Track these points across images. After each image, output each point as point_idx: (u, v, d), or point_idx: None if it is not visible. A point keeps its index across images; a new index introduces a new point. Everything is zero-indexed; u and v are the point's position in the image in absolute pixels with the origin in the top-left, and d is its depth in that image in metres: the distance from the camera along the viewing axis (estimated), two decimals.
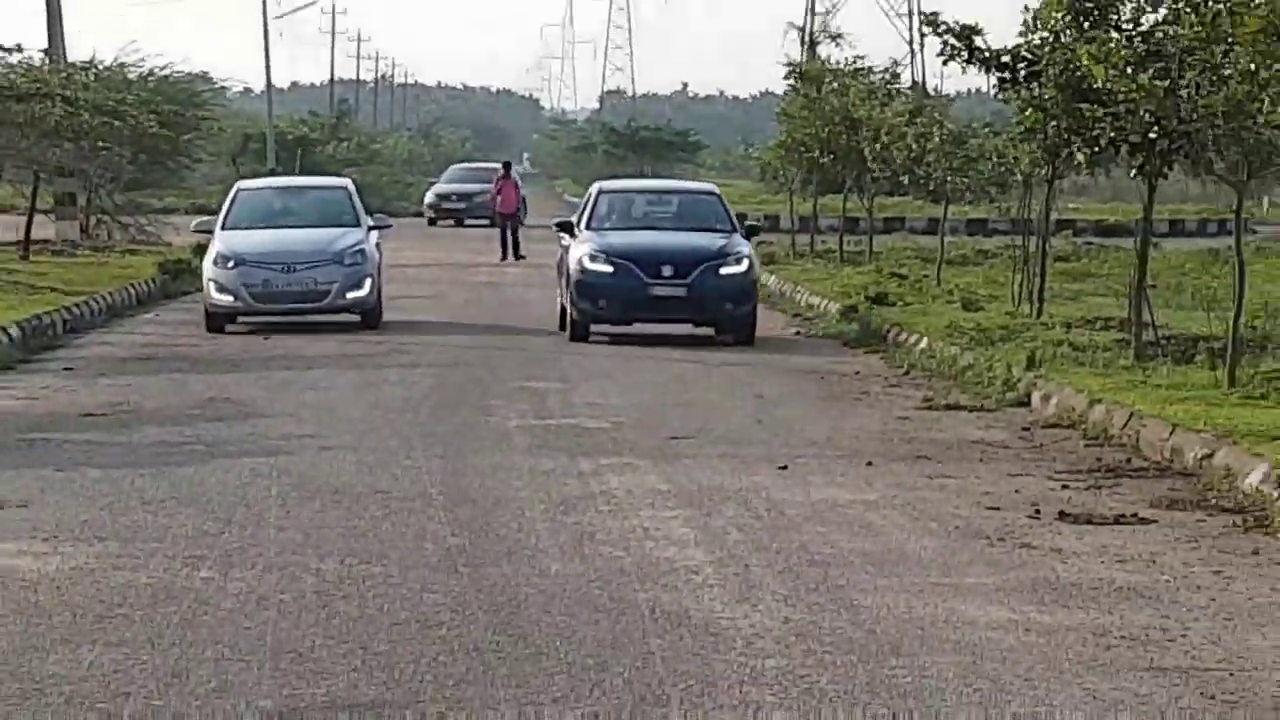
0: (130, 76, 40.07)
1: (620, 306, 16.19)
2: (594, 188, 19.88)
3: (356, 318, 17.63)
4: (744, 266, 16.59)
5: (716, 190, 21.14)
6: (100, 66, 38.79)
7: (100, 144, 30.16)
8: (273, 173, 43.58)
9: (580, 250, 16.72)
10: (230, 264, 17.42)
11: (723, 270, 16.29)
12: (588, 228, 17.50)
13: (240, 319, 17.54)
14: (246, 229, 18.59)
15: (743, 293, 16.45)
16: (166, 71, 43.41)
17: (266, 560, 7.14)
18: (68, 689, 4.51)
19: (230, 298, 17.21)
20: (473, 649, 5.21)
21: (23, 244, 28.04)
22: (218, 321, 17.56)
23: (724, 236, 17.22)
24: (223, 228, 18.61)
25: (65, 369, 15.35)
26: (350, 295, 17.03)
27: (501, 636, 5.43)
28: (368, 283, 17.29)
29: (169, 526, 8.04)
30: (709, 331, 16.49)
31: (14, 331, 16.54)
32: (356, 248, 17.64)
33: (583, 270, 16.33)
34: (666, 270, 16.06)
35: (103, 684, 4.60)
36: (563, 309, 17.24)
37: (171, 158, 38.59)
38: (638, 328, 16.80)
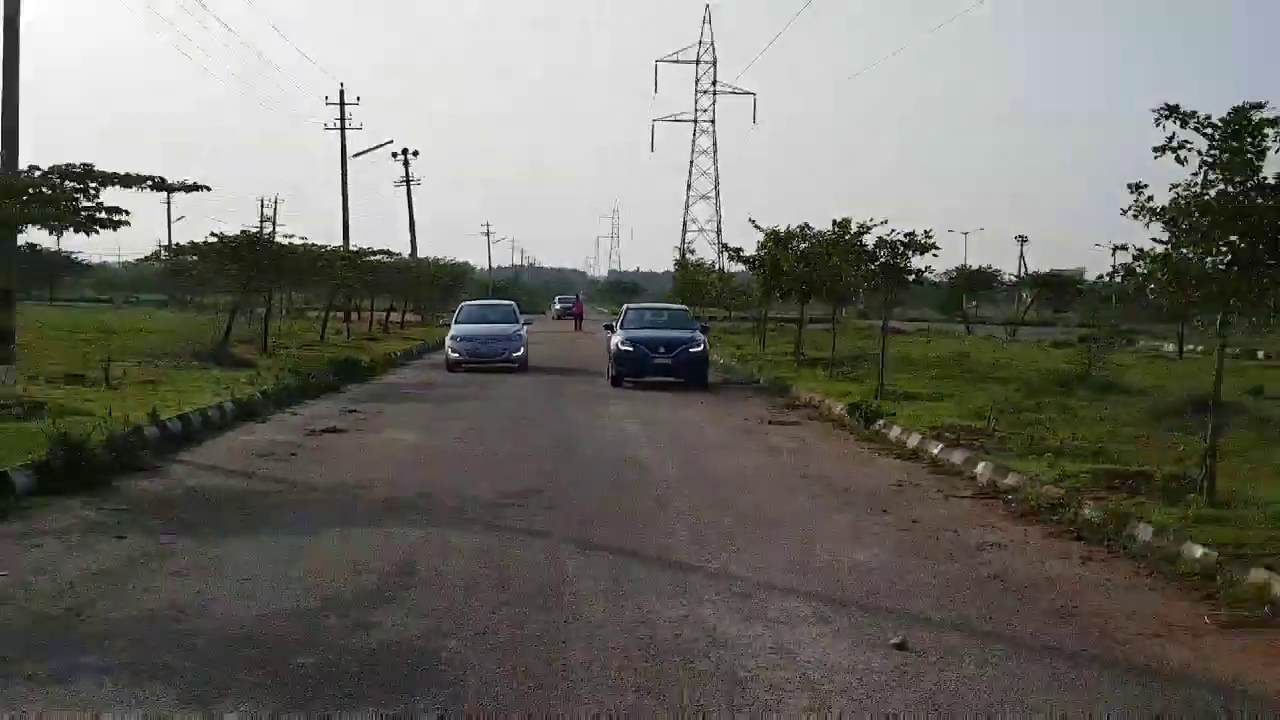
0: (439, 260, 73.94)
1: (638, 369, 27.85)
2: (625, 306, 34.72)
3: (515, 366, 31.81)
4: (702, 348, 28.47)
5: (686, 309, 37.25)
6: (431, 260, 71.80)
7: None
8: (482, 297, 64.92)
9: (616, 338, 28.85)
10: (455, 339, 32.46)
11: (691, 349, 28.05)
12: (621, 327, 29.71)
13: (463, 366, 31.85)
14: (464, 324, 33.57)
15: (701, 361, 28.37)
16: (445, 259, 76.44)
17: (485, 440, 17.83)
18: (421, 483, 13.44)
19: (455, 354, 32.10)
20: (561, 466, 15.38)
21: (383, 324, 55.72)
22: (452, 366, 32.11)
23: (691, 332, 29.53)
24: (455, 322, 34.36)
25: (401, 369, 33.88)
26: (513, 356, 31.84)
27: (572, 462, 15.89)
28: (521, 350, 32.13)
29: (448, 427, 19.40)
30: (681, 381, 28.05)
31: (394, 354, 37.68)
32: (517, 333, 32.83)
33: (618, 349, 28.21)
34: (662, 349, 27.98)
35: (431, 481, 13.53)
36: (608, 369, 29.18)
37: (450, 295, 67.62)
38: (645, 380, 28.07)
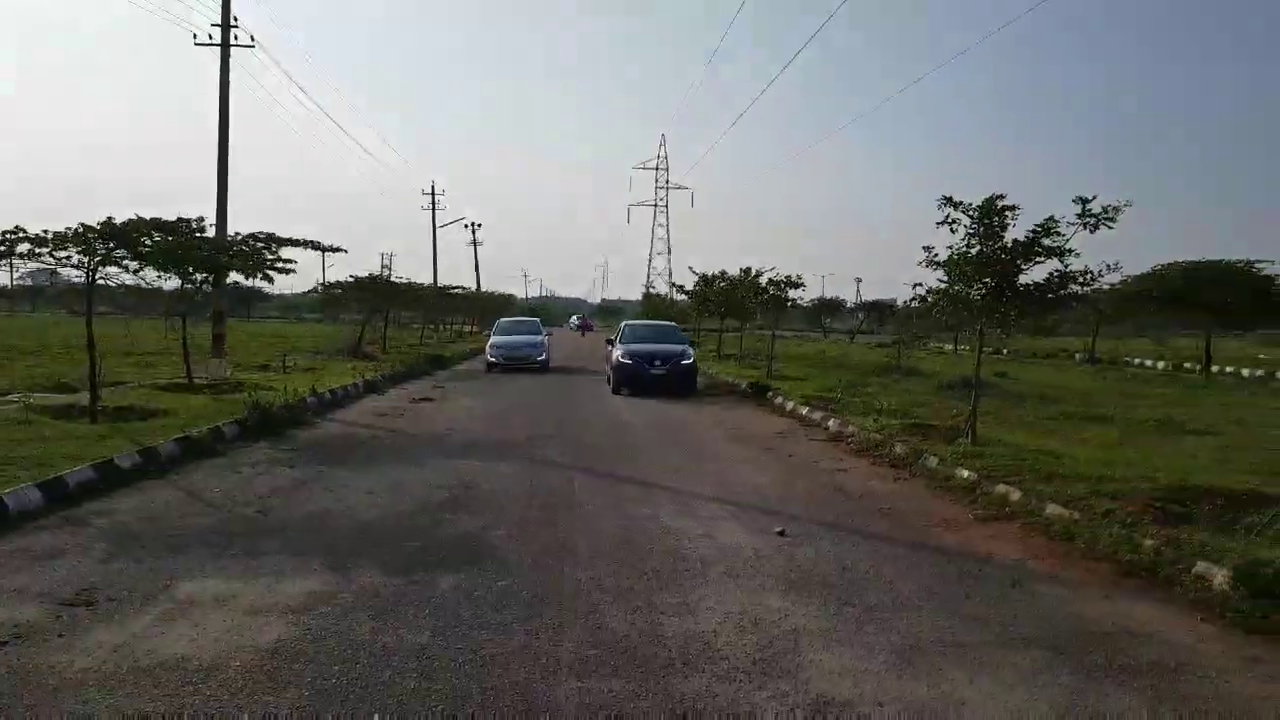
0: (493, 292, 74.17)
1: (635, 380, 20.03)
2: (623, 324, 24.71)
3: (539, 368, 26.38)
4: (691, 360, 20.84)
5: (676, 325, 27.71)
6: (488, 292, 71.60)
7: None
8: (516, 315, 61.38)
9: (616, 352, 21.07)
10: (493, 347, 26.87)
11: (683, 362, 20.49)
12: (620, 341, 21.88)
13: (498, 368, 26.13)
14: (500, 335, 27.79)
15: (690, 373, 20.61)
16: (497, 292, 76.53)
17: (523, 405, 17.17)
18: (481, 432, 13.18)
19: (493, 359, 26.42)
20: (564, 423, 14.28)
21: (459, 333, 52.62)
22: (489, 368, 26.28)
23: (682, 346, 21.61)
24: (492, 334, 28.50)
25: (468, 361, 29.52)
26: (538, 359, 26.55)
27: (574, 423, 13.88)
28: (544, 355, 26.83)
29: (500, 397, 18.40)
30: (671, 390, 20.34)
31: (465, 352, 33.64)
32: (541, 342, 27.24)
33: (618, 362, 20.47)
34: (657, 363, 20.24)
35: (478, 431, 13.34)
36: (609, 379, 21.31)
37: (502, 314, 52.35)
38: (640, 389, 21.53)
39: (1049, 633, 5.23)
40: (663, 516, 7.93)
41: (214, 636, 4.91)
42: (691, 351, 21.49)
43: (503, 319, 32.11)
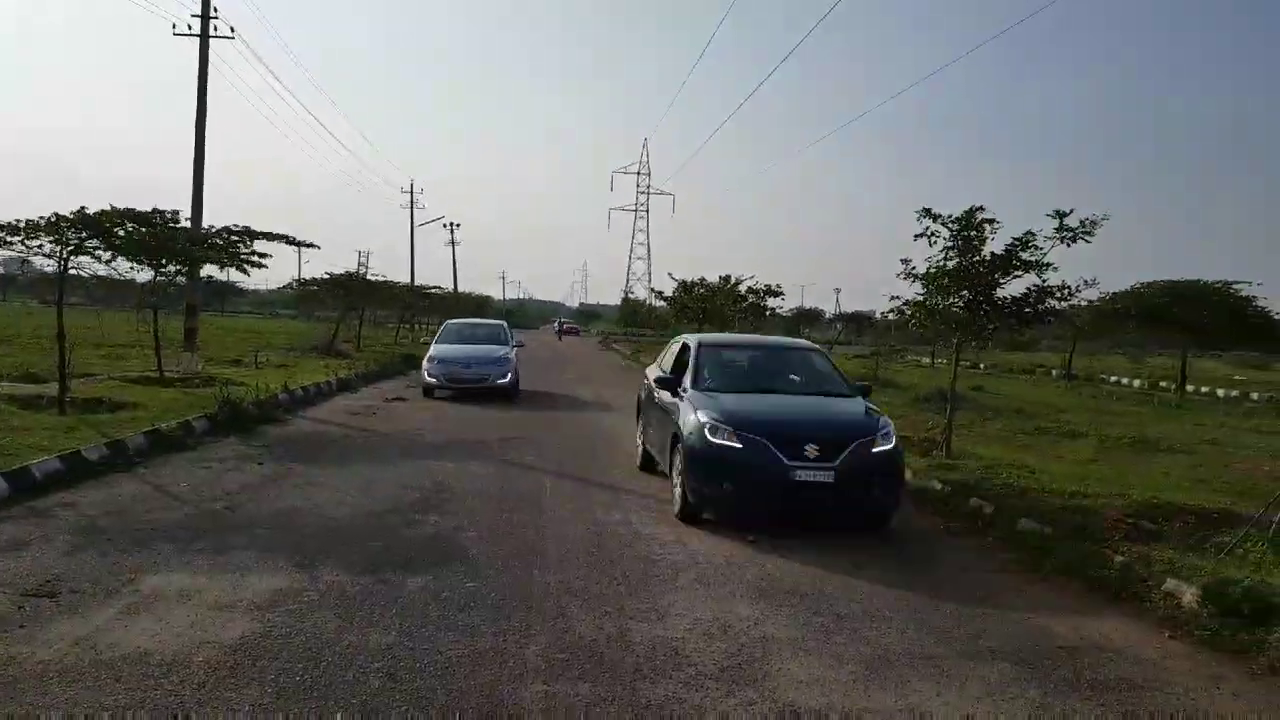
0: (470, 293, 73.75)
1: (767, 500, 7.98)
2: (696, 341, 17.28)
3: (505, 393, 18.40)
4: (892, 444, 12.45)
5: (817, 347, 22.10)
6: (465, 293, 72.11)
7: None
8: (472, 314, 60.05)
9: (691, 415, 10.77)
10: (434, 361, 18.38)
11: (870, 448, 9.34)
12: (696, 384, 8.87)
13: (438, 393, 18.41)
14: (445, 344, 19.42)
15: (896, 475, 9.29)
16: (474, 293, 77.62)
17: (497, 406, 17.08)
18: (453, 432, 13.27)
19: (432, 378, 18.12)
20: (546, 425, 14.36)
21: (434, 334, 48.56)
22: (427, 391, 18.41)
23: (852, 403, 9.42)
24: (436, 342, 19.73)
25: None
26: (499, 381, 18.18)
27: (551, 425, 13.60)
28: (509, 374, 18.36)
29: (461, 405, 17.05)
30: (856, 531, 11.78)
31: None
32: (505, 355, 18.75)
33: (703, 444, 8.01)
34: (812, 450, 8.02)
35: (460, 431, 13.44)
36: (675, 485, 14.66)
37: (479, 315, 55.97)
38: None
39: (1017, 646, 5.27)
40: (633, 521, 7.92)
41: (177, 631, 4.86)
42: (885, 423, 8.34)
43: (451, 320, 22.32)
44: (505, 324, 21.71)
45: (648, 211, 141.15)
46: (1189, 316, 26.37)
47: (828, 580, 6.42)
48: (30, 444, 9.14)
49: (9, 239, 11.97)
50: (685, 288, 34.06)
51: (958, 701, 4.45)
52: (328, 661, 4.55)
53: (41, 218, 11.98)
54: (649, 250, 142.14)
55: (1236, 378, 36.52)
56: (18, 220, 11.90)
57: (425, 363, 18.55)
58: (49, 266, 12.86)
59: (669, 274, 36.47)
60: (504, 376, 18.37)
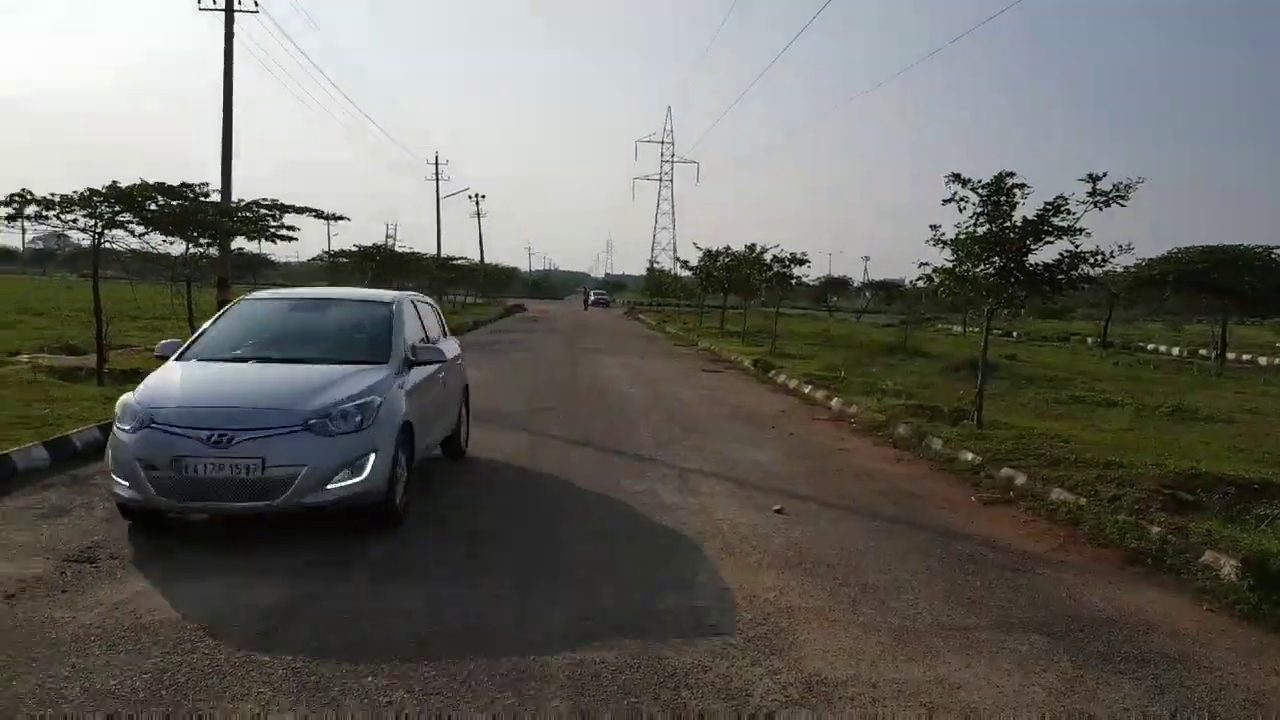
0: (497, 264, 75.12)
1: None
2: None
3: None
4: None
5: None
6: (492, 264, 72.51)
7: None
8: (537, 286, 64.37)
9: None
10: (132, 426, 5.77)
11: None
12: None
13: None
14: (212, 360, 6.67)
15: None
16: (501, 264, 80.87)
17: (522, 374, 17.75)
18: (480, 400, 12.36)
19: (126, 484, 5.74)
20: (573, 375, 17.63)
21: (461, 304, 50.42)
22: (124, 511, 6.05)
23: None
24: (178, 358, 6.78)
25: (471, 331, 27.46)
26: (332, 486, 5.76)
27: (584, 376, 16.62)
28: (377, 453, 5.96)
29: (507, 362, 19.94)
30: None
31: (468, 321, 26.45)
32: (370, 390, 6.18)
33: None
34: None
35: (499, 388, 15.13)
36: None
37: (506, 287, 62.61)
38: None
39: (1049, 618, 5.21)
40: (659, 490, 7.93)
41: (213, 595, 4.95)
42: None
43: (252, 297, 7.86)
44: (409, 301, 8.33)
45: (671, 180, 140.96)
46: (1228, 282, 25.75)
47: (854, 550, 6.39)
48: (71, 414, 9.31)
49: (45, 213, 12.14)
50: (710, 256, 33.86)
51: (988, 673, 4.41)
52: (362, 626, 4.60)
53: (75, 192, 12.12)
54: (673, 219, 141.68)
55: (1279, 345, 35.73)
56: (53, 195, 12.06)
57: (116, 427, 5.97)
58: (85, 241, 13.03)
59: (694, 244, 36.31)
60: (348, 464, 5.84)
